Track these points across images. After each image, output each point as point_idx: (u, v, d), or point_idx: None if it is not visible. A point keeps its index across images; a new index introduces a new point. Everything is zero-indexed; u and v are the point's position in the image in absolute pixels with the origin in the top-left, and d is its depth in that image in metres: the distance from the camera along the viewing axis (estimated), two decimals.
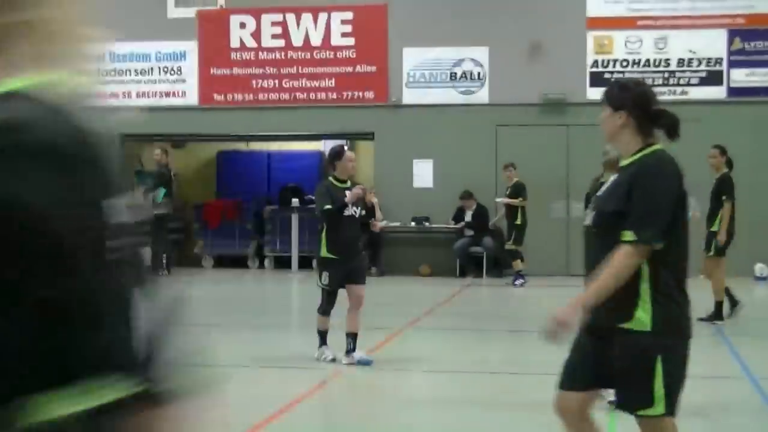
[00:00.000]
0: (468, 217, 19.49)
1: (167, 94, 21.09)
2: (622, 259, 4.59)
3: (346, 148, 10.20)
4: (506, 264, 19.48)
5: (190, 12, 20.74)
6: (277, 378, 9.79)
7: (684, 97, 19.05)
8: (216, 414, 6.64)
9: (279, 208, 21.71)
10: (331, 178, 9.71)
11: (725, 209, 13.54)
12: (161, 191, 19.75)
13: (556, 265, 19.24)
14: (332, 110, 20.58)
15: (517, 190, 17.75)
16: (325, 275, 9.67)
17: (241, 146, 24.08)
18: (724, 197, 13.51)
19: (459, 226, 19.54)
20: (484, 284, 18.78)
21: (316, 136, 22.94)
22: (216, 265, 21.53)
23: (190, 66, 20.89)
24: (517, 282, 17.87)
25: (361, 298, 9.74)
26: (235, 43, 20.66)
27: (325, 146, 24.33)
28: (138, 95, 20.95)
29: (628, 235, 4.57)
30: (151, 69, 21.04)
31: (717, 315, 13.35)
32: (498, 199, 18.57)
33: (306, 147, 24.30)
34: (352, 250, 9.84)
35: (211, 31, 20.79)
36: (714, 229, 13.59)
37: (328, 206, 9.56)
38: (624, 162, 4.85)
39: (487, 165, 19.64)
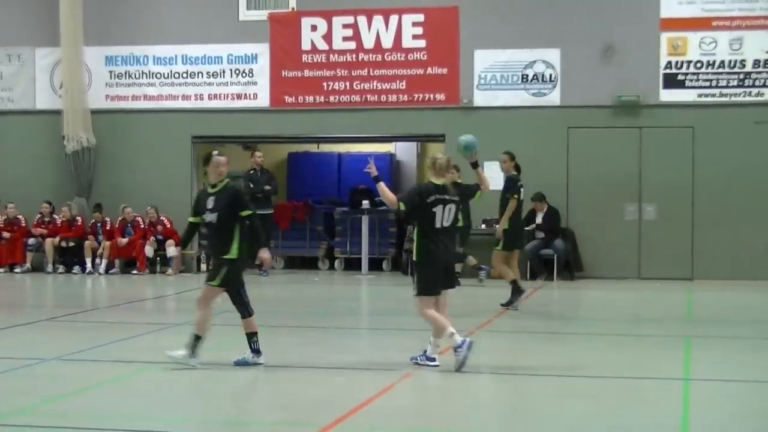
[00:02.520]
0: (539, 219, 19.53)
1: (239, 97, 21.18)
2: None
3: (215, 153, 10.46)
4: (577, 266, 19.83)
5: (261, 14, 20.86)
6: (345, 380, 9.86)
7: (760, 98, 19.31)
8: (284, 414, 6.49)
9: (349, 210, 21.76)
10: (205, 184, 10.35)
11: (510, 206, 14.88)
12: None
13: (628, 268, 19.64)
14: (403, 112, 20.75)
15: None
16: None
17: (312, 148, 24.29)
18: (507, 195, 15.03)
19: (530, 228, 19.34)
20: (555, 287, 18.80)
21: (387, 138, 23.13)
22: (286, 266, 21.62)
23: (262, 68, 20.92)
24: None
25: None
26: (306, 45, 20.62)
27: (395, 148, 25.81)
28: (210, 97, 21.24)
29: None
30: (223, 71, 21.15)
31: (516, 292, 14.97)
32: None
33: (377, 149, 24.40)
34: None
35: (283, 34, 20.86)
36: (505, 227, 15.17)
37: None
38: None
39: (558, 167, 19.81)
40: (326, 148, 24.56)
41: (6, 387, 9.60)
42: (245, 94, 21.23)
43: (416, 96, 20.54)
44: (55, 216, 21.67)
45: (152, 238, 20.69)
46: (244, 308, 10.07)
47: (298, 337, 12.73)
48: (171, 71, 21.62)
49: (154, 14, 21.92)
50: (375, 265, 21.23)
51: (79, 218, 21.59)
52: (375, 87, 20.91)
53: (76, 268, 21.01)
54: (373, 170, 10.68)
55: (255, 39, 21.03)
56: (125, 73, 21.85)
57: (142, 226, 20.99)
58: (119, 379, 10.07)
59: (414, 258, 10.26)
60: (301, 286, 19.05)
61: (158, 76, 21.68)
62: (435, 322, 10.12)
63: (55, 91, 22.23)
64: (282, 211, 21.89)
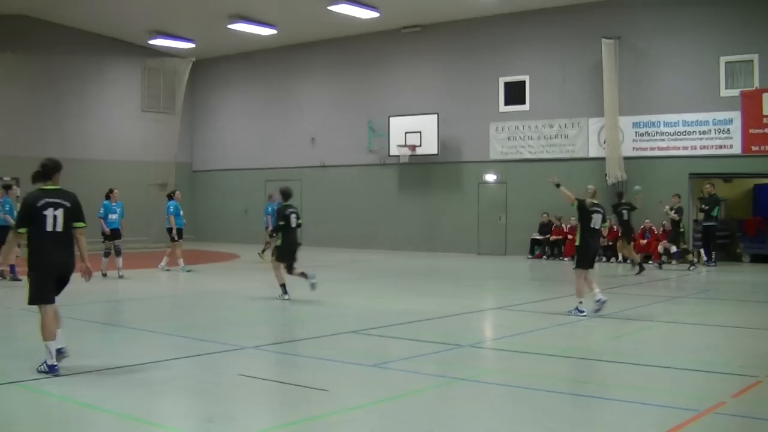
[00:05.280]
0: None
1: (720, 147, 24.01)
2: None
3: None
4: None
5: (735, 92, 23.67)
6: None
7: None
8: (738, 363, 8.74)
9: None
10: None
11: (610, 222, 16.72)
12: (716, 209, 22.89)
13: None
14: None
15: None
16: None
17: None
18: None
19: None
20: None
21: None
22: (752, 261, 24.14)
23: (736, 128, 23.52)
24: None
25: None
26: (766, 111, 22.71)
27: None
28: (700, 148, 24.22)
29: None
30: (709, 130, 24.04)
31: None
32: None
33: None
34: None
35: (750, 104, 23.07)
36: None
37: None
38: None
39: None
40: None
41: (465, 325, 11.58)
42: (724, 145, 23.99)
43: None
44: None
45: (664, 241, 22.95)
46: None
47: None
48: (674, 131, 24.65)
49: (664, 95, 24.95)
50: None
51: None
52: None
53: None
54: (555, 180, 12.84)
55: (731, 108, 23.66)
56: (645, 133, 25.04)
57: (656, 233, 23.87)
58: (562, 324, 11.54)
59: (576, 243, 12.50)
60: (766, 276, 20.33)
61: (666, 134, 24.72)
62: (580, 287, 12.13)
63: (600, 145, 25.75)
64: (749, 224, 25.04)
